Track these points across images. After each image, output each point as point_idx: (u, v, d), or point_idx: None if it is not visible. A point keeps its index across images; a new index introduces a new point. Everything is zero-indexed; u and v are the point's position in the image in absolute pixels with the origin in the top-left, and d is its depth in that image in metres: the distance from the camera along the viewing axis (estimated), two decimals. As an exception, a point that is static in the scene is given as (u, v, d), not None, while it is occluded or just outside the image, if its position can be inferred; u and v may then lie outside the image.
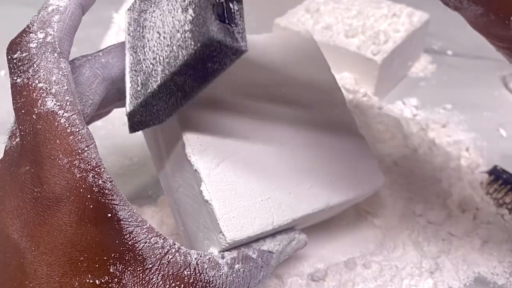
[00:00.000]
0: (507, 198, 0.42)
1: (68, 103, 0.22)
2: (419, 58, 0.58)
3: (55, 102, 0.22)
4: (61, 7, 0.24)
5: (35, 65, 0.22)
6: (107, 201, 0.22)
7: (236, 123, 0.28)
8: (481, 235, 0.38)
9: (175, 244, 0.24)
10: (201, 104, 0.27)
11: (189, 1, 0.21)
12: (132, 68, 0.25)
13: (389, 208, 0.39)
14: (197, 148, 0.26)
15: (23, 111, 0.22)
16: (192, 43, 0.21)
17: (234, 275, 0.26)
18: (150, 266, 0.23)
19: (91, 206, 0.21)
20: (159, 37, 0.23)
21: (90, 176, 0.22)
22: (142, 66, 0.24)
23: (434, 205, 0.40)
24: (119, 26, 0.52)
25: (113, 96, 0.30)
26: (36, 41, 0.22)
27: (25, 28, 0.23)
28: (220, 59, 0.21)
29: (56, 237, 0.21)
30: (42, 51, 0.22)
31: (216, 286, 0.25)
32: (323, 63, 0.34)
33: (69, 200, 0.21)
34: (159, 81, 0.23)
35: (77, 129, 0.22)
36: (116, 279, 0.22)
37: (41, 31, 0.23)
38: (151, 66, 0.23)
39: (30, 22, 0.23)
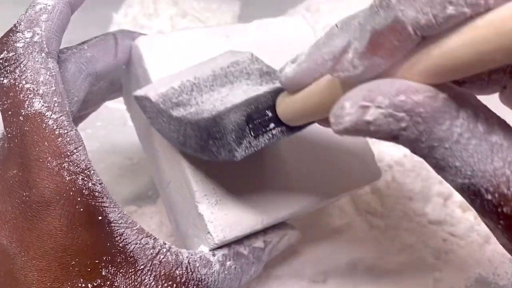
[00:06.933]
0: (508, 198, 0.41)
1: (56, 104, 0.21)
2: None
3: (42, 103, 0.21)
4: (49, 6, 0.23)
5: (22, 65, 0.21)
6: (97, 203, 0.22)
7: None
8: (481, 235, 0.38)
9: (165, 244, 0.24)
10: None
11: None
12: None
13: (389, 208, 0.39)
14: None
15: (10, 112, 0.21)
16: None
17: (226, 272, 0.25)
18: (142, 267, 0.23)
19: (82, 209, 0.21)
20: None
21: (80, 178, 0.21)
22: None
23: (434, 205, 0.40)
24: (119, 26, 0.52)
25: (106, 89, 0.30)
26: (23, 40, 0.22)
27: (12, 27, 0.23)
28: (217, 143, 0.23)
29: (46, 242, 0.21)
30: (29, 51, 0.22)
31: (208, 284, 0.25)
32: None
33: (59, 204, 0.21)
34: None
35: (66, 131, 0.21)
36: (108, 282, 0.22)
37: (28, 30, 0.22)
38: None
39: (17, 21, 0.23)
